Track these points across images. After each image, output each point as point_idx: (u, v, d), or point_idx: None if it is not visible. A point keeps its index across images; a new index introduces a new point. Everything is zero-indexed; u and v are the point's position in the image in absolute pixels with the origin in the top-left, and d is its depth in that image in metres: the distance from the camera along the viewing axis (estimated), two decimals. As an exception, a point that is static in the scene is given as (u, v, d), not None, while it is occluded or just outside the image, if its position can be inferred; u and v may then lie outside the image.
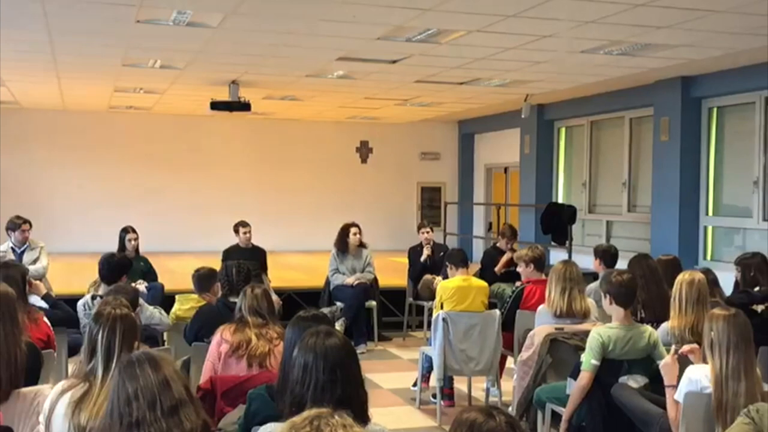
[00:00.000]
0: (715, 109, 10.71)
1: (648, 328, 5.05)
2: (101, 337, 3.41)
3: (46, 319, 5.17)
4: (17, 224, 8.68)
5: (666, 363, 4.37)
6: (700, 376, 4.04)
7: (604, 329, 4.92)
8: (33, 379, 3.99)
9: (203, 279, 6.45)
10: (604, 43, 8.36)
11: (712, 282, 5.75)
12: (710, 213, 10.78)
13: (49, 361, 4.72)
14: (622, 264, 6.62)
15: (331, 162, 16.99)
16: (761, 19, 7.08)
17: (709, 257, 10.69)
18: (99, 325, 3.46)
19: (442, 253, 9.66)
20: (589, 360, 4.81)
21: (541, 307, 6.10)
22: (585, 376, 4.82)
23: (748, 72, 9.62)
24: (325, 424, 1.97)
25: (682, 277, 5.23)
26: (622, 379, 4.81)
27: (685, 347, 4.45)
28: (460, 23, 7.56)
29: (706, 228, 10.82)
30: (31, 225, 8.80)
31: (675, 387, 4.23)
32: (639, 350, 4.89)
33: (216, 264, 7.29)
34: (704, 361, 4.15)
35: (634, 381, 4.82)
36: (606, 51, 8.71)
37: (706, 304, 5.07)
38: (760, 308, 5.75)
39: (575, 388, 4.87)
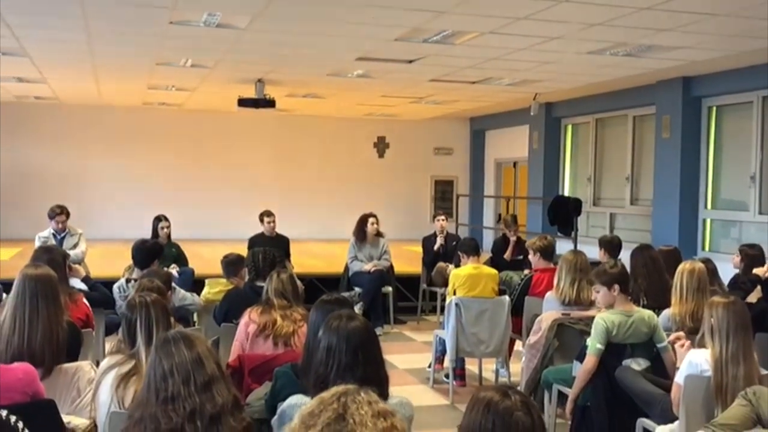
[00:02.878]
0: (714, 108, 10.62)
1: (649, 312, 5.01)
2: (140, 324, 3.44)
3: (85, 301, 5.19)
4: (54, 213, 8.69)
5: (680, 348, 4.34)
6: (700, 360, 4.01)
7: (608, 315, 4.88)
8: (73, 355, 4.01)
9: (231, 264, 6.47)
10: (610, 45, 8.30)
11: (712, 271, 5.70)
12: (709, 206, 10.71)
13: (88, 339, 4.73)
14: (624, 254, 6.58)
15: (350, 156, 16.99)
16: (760, 22, 7.02)
17: (707, 248, 10.62)
18: (134, 314, 3.48)
19: (454, 242, 9.69)
20: (594, 344, 4.78)
21: (548, 294, 6.07)
22: (590, 360, 4.79)
23: (747, 73, 9.54)
24: (351, 401, 1.92)
25: (683, 267, 5.20)
26: (626, 361, 4.78)
27: (673, 336, 4.47)
28: (474, 25, 7.52)
29: (704, 220, 10.76)
30: (68, 215, 8.76)
31: None
32: (641, 334, 4.85)
33: (242, 250, 7.30)
34: (702, 345, 4.13)
35: (637, 364, 4.79)
36: (611, 52, 8.65)
37: (705, 292, 5.03)
38: (754, 299, 5.68)
39: (581, 370, 4.84)
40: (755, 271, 5.96)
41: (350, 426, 1.84)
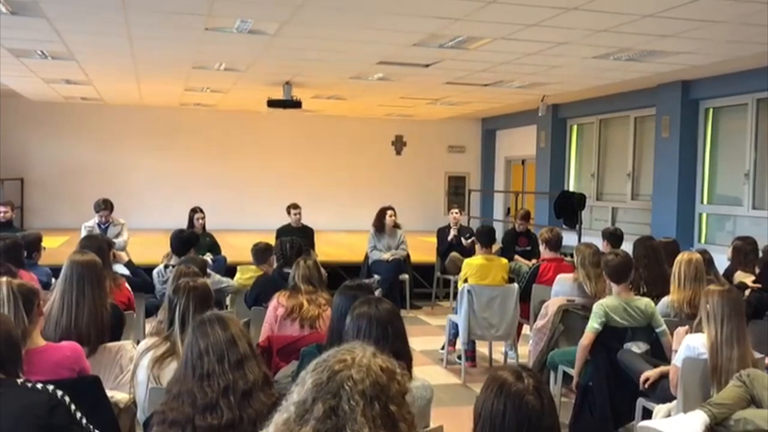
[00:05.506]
0: (711, 110, 10.50)
1: (647, 300, 4.99)
2: (179, 306, 3.42)
3: (127, 285, 5.22)
4: (99, 208, 8.71)
5: (678, 332, 4.31)
6: (697, 344, 3.99)
7: (607, 300, 4.94)
8: (116, 335, 4.04)
9: (261, 252, 6.49)
10: (614, 50, 8.22)
11: (708, 261, 5.64)
12: (705, 201, 10.60)
13: (130, 320, 4.76)
14: (626, 245, 6.53)
15: (370, 153, 16.97)
16: (755, 29, 6.93)
17: (703, 240, 10.52)
18: (177, 296, 3.46)
19: (467, 234, 9.71)
20: (592, 324, 4.84)
21: (560, 276, 6.05)
22: (587, 336, 4.84)
23: (742, 76, 9.42)
24: (341, 385, 1.70)
25: (682, 257, 5.16)
26: (627, 345, 4.77)
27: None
28: (487, 32, 7.48)
29: (701, 215, 10.65)
30: (111, 209, 8.68)
31: None
32: (640, 320, 4.85)
33: (270, 240, 7.32)
34: (699, 330, 4.10)
35: (637, 347, 4.78)
36: (615, 57, 8.57)
37: (702, 281, 5.00)
38: (746, 294, 5.62)
39: (579, 346, 4.91)
40: (743, 279, 5.88)
41: (342, 420, 1.69)
